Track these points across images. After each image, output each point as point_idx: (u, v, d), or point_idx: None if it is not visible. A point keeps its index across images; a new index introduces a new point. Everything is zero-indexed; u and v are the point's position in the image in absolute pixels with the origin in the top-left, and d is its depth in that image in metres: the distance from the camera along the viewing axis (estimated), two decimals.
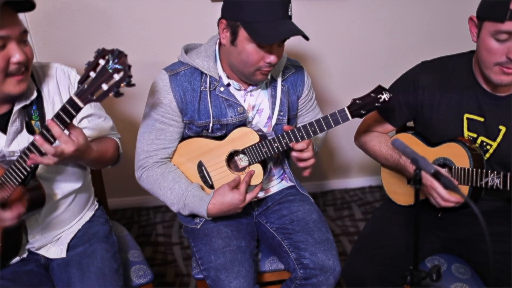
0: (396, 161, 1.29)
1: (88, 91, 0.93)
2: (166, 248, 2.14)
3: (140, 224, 2.34)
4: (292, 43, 2.16)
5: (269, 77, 1.28)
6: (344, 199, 2.55)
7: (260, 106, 1.31)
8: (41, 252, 1.19)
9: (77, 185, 1.22)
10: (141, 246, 2.15)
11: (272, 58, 1.12)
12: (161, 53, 2.05)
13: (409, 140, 1.33)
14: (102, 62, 0.91)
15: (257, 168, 1.24)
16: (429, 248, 1.30)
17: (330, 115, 1.14)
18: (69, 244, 1.21)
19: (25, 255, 1.18)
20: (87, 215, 1.30)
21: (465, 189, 1.18)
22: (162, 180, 1.23)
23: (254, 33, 1.07)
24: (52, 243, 1.21)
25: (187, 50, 1.31)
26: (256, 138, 1.21)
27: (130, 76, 0.91)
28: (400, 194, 1.37)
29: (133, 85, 0.93)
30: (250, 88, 1.27)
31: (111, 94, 0.92)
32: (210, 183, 1.28)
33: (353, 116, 1.13)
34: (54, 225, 1.20)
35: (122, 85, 0.91)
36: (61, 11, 1.95)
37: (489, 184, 1.13)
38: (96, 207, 1.36)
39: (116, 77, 0.90)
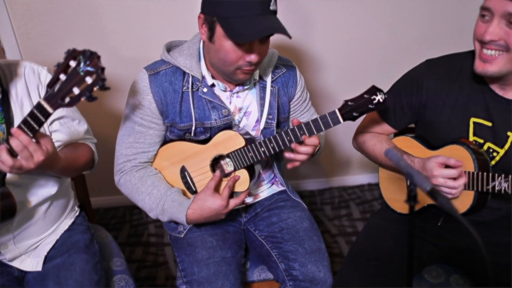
0: None
1: (58, 95, 0.87)
2: (158, 249, 2.08)
3: (132, 224, 2.28)
4: (284, 37, 2.07)
5: (256, 77, 1.20)
6: (342, 197, 2.48)
7: (248, 108, 1.23)
8: (14, 264, 1.13)
9: (53, 190, 1.15)
10: (132, 247, 2.10)
11: (252, 57, 1.04)
12: (152, 47, 1.94)
13: (408, 143, 1.24)
14: (72, 64, 0.85)
15: (243, 174, 1.16)
16: (427, 258, 1.23)
17: (320, 118, 1.07)
18: (46, 256, 1.15)
19: None
20: (66, 223, 1.23)
21: (470, 195, 1.10)
22: (140, 184, 1.16)
23: (229, 30, 0.99)
24: (27, 254, 1.15)
25: (170, 47, 1.22)
26: (241, 142, 1.14)
27: (104, 79, 0.85)
28: (400, 201, 1.29)
29: (108, 88, 0.87)
30: (237, 89, 1.19)
31: (83, 99, 0.86)
32: (194, 189, 1.21)
33: (344, 119, 1.05)
34: (29, 234, 1.13)
35: (95, 89, 0.85)
36: (45, 4, 1.86)
37: (496, 188, 1.05)
38: (77, 213, 1.29)
39: (89, 80, 0.84)
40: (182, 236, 1.23)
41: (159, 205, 1.14)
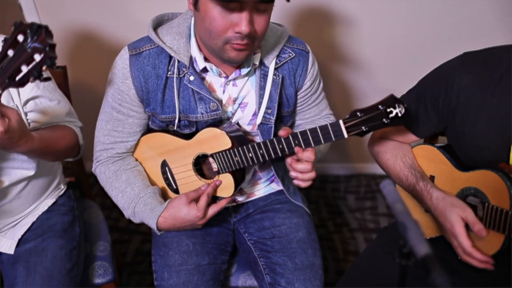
0: (412, 185, 1.00)
1: (5, 73, 0.77)
2: None
3: None
4: (302, 8, 1.80)
5: (256, 62, 1.00)
6: (369, 187, 2.26)
7: (244, 99, 1.04)
8: None
9: (30, 172, 1.07)
10: None
11: (243, 28, 0.83)
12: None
13: (432, 155, 1.02)
14: (20, 38, 0.75)
15: (227, 179, 1.01)
16: None
17: (320, 128, 0.88)
18: (20, 239, 1.09)
19: None
20: (46, 203, 1.16)
21: (499, 238, 0.89)
22: (114, 179, 1.05)
23: None
24: (3, 234, 1.10)
25: (162, 22, 1.05)
26: (227, 144, 0.97)
27: (53, 58, 0.75)
28: None
29: (62, 67, 0.78)
30: (234, 75, 1.00)
31: (31, 79, 0.76)
32: (175, 187, 1.08)
33: (349, 133, 0.86)
34: (2, 214, 1.07)
35: (43, 68, 0.75)
36: None
37: None
38: (61, 192, 1.22)
39: (37, 57, 0.75)
40: (158, 233, 1.12)
41: (130, 206, 1.02)
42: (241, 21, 0.83)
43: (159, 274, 1.06)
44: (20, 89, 1.00)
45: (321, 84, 1.14)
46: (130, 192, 1.02)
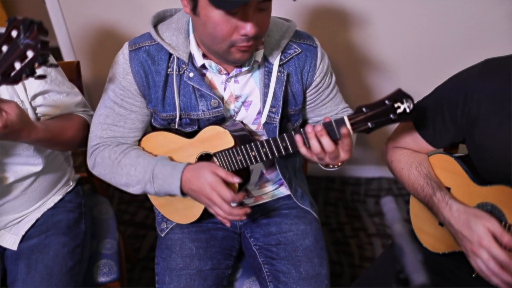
0: (428, 196, 0.93)
1: None
2: None
3: None
4: (316, 8, 1.72)
5: (258, 58, 0.95)
6: (391, 190, 2.17)
7: (248, 97, 1.00)
8: None
9: (36, 168, 1.07)
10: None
11: (248, 29, 0.80)
12: None
13: (448, 165, 0.94)
14: (14, 34, 0.74)
15: None
16: None
17: (324, 125, 0.83)
18: (24, 235, 1.09)
19: None
20: (52, 200, 1.16)
21: None
22: (122, 157, 0.99)
23: None
24: (7, 229, 1.11)
25: (164, 17, 1.02)
26: (230, 142, 0.94)
27: (45, 55, 0.74)
28: (428, 235, 1.01)
29: (55, 65, 0.79)
30: (235, 72, 0.96)
31: (23, 77, 0.75)
32: None
33: (354, 130, 0.81)
34: (7, 210, 1.08)
35: (35, 65, 0.74)
36: None
37: None
38: (69, 189, 1.22)
39: (30, 54, 0.74)
40: (163, 235, 1.10)
41: (148, 172, 0.95)
42: (246, 24, 0.80)
43: (161, 277, 1.04)
44: (27, 85, 1.01)
45: (333, 78, 1.08)
46: (143, 162, 0.97)
